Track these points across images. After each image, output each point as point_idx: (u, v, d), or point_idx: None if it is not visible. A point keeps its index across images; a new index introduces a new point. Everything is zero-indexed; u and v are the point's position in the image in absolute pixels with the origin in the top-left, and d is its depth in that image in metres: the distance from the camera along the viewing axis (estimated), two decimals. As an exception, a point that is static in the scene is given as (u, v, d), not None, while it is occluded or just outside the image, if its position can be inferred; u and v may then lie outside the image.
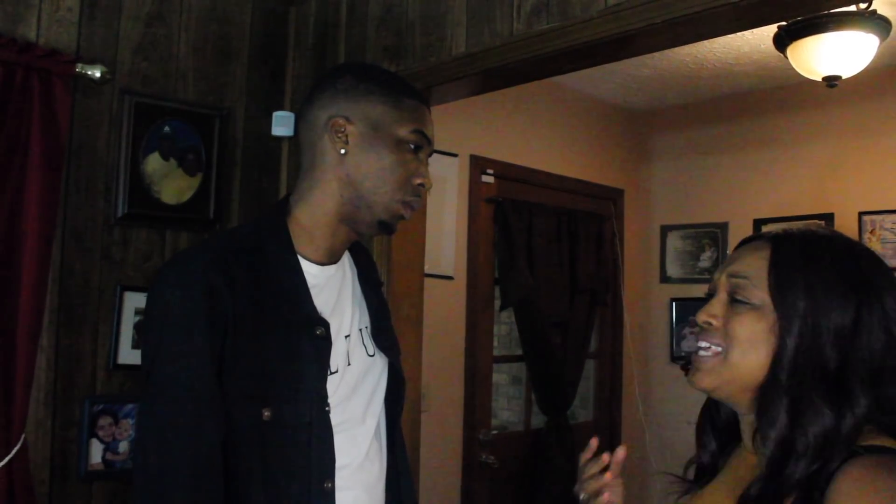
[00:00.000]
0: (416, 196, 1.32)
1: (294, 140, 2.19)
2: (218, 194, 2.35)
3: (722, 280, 1.05)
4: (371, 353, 1.38)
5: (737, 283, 1.02)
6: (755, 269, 1.01)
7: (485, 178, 3.46)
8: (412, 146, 1.31)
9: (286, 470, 1.20)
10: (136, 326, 2.16)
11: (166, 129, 2.24)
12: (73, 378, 2.07)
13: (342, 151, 1.28)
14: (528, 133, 3.69)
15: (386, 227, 1.34)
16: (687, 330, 4.04)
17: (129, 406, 2.14)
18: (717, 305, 1.04)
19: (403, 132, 1.29)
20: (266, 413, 1.18)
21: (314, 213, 1.31)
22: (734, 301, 1.02)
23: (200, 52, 2.35)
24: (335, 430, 1.25)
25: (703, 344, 1.04)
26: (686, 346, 4.02)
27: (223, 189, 2.38)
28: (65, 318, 2.06)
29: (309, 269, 1.30)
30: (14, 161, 1.90)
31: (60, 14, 2.06)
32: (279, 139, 2.48)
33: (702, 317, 1.04)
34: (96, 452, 2.09)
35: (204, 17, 2.36)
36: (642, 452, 4.07)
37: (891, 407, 0.92)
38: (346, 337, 1.33)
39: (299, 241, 1.31)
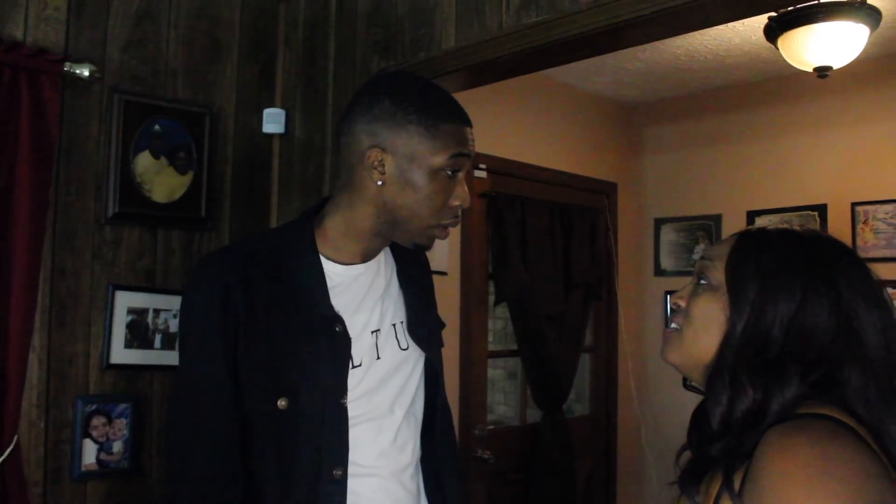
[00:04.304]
0: (454, 218, 1.34)
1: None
2: (209, 192, 2.35)
3: (697, 264, 1.12)
4: (404, 347, 1.42)
5: (703, 264, 1.09)
6: (719, 253, 1.07)
7: (478, 174, 3.45)
8: (450, 171, 1.30)
9: (297, 456, 1.28)
10: (129, 326, 2.16)
11: (156, 127, 2.23)
12: (66, 378, 2.06)
13: (379, 182, 1.29)
14: (521, 128, 3.69)
15: (421, 248, 1.38)
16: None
17: (123, 406, 2.13)
18: (686, 289, 1.12)
19: (440, 160, 1.28)
20: (282, 403, 1.27)
21: (348, 227, 1.35)
22: (699, 283, 1.09)
23: (190, 50, 2.34)
24: (359, 419, 1.33)
25: (671, 324, 1.12)
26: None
27: (214, 187, 2.38)
28: (56, 318, 2.05)
29: (332, 269, 1.35)
30: (3, 161, 1.89)
31: (48, 13, 2.04)
32: (270, 136, 2.47)
33: (672, 299, 1.14)
34: (90, 453, 2.08)
35: (193, 15, 2.34)
36: (638, 445, 4.08)
37: (828, 390, 0.94)
38: (374, 332, 1.38)
39: (325, 245, 1.36)
